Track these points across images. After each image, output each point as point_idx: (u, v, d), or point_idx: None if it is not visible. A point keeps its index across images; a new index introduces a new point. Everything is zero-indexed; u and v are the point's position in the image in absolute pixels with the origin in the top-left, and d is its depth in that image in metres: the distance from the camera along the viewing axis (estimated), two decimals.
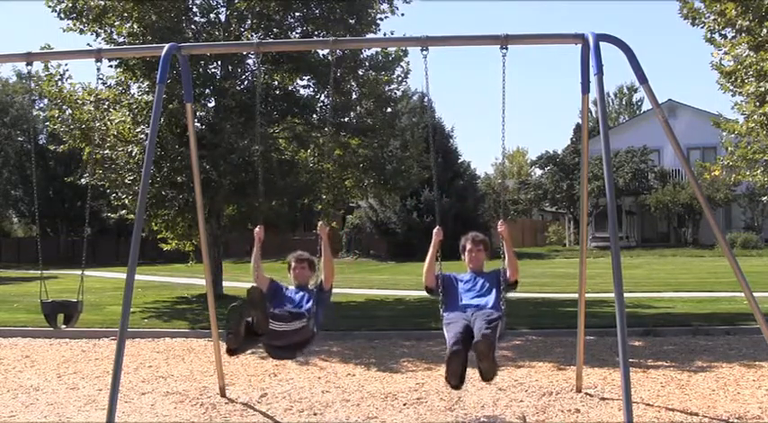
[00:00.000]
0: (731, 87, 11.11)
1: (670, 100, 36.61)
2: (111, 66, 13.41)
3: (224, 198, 13.94)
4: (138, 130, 13.62)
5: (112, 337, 9.82)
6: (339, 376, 7.39)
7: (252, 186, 13.32)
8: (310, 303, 5.24)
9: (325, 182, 14.44)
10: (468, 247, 5.28)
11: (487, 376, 4.66)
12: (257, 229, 5.58)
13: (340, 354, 8.79)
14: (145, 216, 13.12)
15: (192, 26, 13.88)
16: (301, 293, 5.46)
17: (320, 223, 5.42)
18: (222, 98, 13.52)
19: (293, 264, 5.70)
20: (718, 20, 10.30)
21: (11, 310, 13.24)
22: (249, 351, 9.08)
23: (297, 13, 14.12)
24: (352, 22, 13.67)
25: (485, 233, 5.72)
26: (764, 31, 9.80)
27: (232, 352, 4.88)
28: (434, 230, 5.21)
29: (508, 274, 5.09)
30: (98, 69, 5.85)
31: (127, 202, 14.16)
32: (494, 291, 5.08)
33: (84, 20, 13.48)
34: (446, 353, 4.68)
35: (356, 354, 8.70)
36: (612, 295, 4.78)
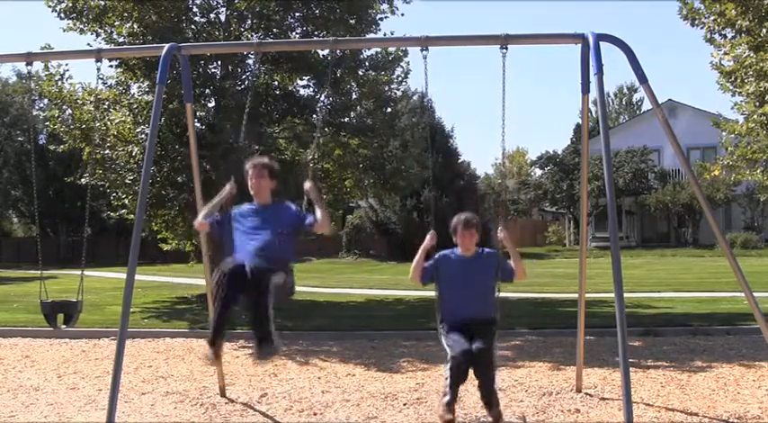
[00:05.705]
0: (731, 87, 11.11)
1: (670, 100, 36.60)
2: (111, 66, 13.40)
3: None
4: (138, 130, 13.61)
5: (112, 337, 9.81)
6: (339, 376, 7.38)
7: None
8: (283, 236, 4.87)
9: (325, 182, 14.43)
10: (460, 231, 5.13)
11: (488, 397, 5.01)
12: (230, 182, 5.19)
13: (340, 354, 8.79)
14: (145, 216, 13.10)
15: (192, 26, 13.86)
16: (269, 215, 4.97)
17: (307, 185, 5.10)
18: (222, 98, 13.51)
19: (250, 171, 5.04)
20: (718, 20, 10.32)
21: (11, 310, 13.24)
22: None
23: (297, 13, 14.09)
24: (352, 22, 13.66)
25: (485, 235, 5.65)
26: (764, 31, 9.82)
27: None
28: (429, 234, 5.13)
29: (516, 275, 5.12)
30: (98, 69, 5.88)
31: (127, 202, 14.15)
32: (488, 283, 5.07)
33: (84, 20, 13.46)
34: (449, 369, 4.94)
35: (356, 354, 8.70)
36: (612, 295, 4.79)
